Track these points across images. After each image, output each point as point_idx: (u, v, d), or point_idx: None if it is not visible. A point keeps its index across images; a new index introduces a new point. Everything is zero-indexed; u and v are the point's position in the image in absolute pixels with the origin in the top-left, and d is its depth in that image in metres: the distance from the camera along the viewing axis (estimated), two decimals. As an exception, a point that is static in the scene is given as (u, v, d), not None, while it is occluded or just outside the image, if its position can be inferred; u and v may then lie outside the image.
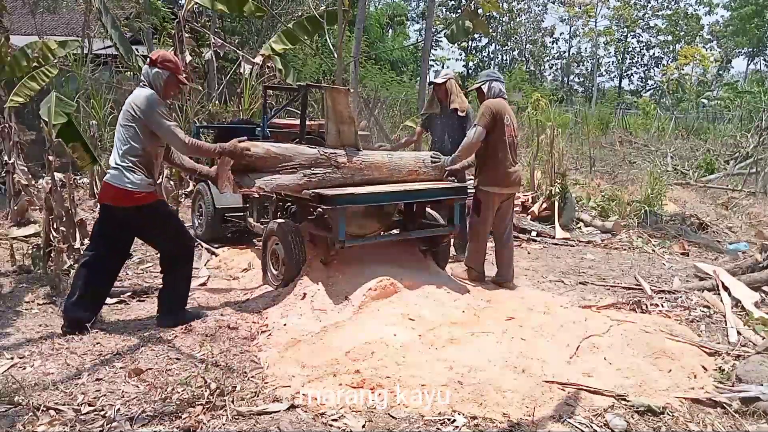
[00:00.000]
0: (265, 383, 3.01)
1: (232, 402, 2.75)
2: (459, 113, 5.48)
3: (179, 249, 3.86)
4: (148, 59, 3.72)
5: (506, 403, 2.83)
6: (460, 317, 3.94)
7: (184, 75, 3.87)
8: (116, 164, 3.59)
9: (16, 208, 6.17)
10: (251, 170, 4.00)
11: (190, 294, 4.49)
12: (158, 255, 4.08)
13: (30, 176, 6.28)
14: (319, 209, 4.39)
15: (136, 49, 9.88)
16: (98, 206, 3.88)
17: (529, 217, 7.57)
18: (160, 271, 3.94)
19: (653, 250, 6.59)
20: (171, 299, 3.86)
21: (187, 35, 6.68)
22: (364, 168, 4.51)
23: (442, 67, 35.21)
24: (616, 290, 5.04)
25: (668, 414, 2.83)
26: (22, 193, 6.11)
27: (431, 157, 4.91)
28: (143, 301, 4.29)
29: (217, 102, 10.12)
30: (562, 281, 5.29)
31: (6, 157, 6.01)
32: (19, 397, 2.75)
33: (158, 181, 3.91)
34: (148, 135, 3.59)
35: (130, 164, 3.57)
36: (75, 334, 3.57)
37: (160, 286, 3.94)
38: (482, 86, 4.84)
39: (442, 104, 5.65)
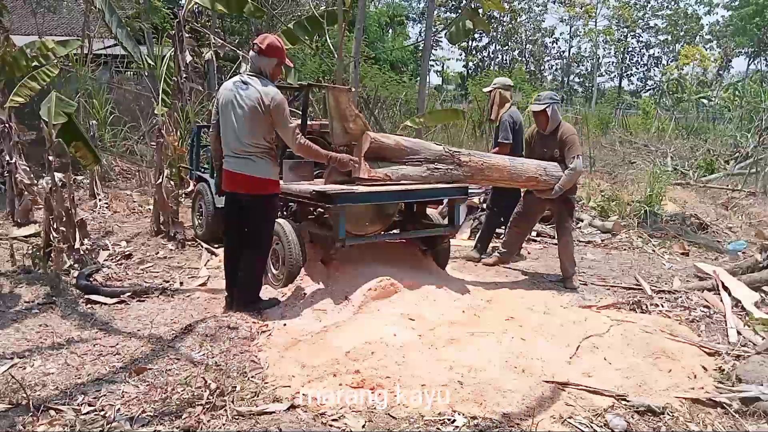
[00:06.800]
0: (265, 383, 3.01)
1: (232, 402, 2.76)
2: (494, 121, 5.86)
3: (266, 246, 4.05)
4: (256, 46, 3.75)
5: (506, 403, 2.83)
6: (460, 317, 3.94)
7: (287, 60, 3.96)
8: (245, 154, 3.73)
9: (20, 207, 6.15)
10: (381, 159, 4.25)
11: (190, 294, 4.51)
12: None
13: (32, 176, 6.26)
14: (319, 208, 4.39)
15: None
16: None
17: (529, 217, 7.56)
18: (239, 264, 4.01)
19: (653, 250, 6.58)
20: (247, 288, 4.03)
21: (187, 35, 6.64)
22: (484, 168, 4.63)
23: (442, 67, 35.24)
24: (616, 290, 5.04)
25: (668, 414, 2.83)
26: (26, 192, 6.09)
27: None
28: (143, 301, 4.29)
29: (217, 102, 10.10)
30: (563, 281, 5.29)
31: (8, 157, 5.99)
32: (19, 397, 2.75)
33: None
34: (268, 127, 3.76)
35: (261, 153, 3.73)
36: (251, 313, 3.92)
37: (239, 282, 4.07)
38: (547, 109, 4.95)
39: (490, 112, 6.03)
